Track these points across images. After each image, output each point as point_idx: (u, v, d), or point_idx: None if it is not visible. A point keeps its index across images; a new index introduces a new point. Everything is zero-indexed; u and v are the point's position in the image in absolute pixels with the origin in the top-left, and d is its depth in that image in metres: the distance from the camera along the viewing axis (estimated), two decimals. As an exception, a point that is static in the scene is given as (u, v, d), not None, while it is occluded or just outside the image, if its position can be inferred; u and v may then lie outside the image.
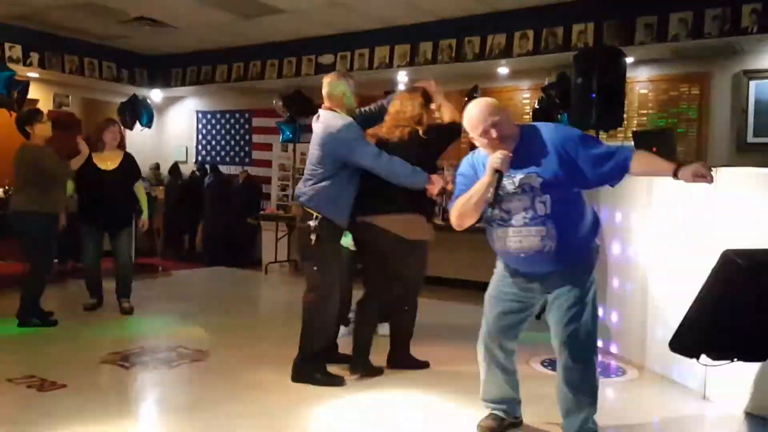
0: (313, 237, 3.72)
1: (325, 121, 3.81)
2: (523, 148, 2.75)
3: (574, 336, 2.79)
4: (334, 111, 3.83)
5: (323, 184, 3.74)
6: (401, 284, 4.02)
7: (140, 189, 5.83)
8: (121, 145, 5.77)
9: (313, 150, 3.84)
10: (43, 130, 5.05)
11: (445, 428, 3.25)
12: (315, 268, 3.77)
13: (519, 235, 2.74)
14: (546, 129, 2.80)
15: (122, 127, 5.76)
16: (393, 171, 3.75)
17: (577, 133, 2.80)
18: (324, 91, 3.88)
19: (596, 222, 2.90)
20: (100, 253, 5.67)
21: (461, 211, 2.83)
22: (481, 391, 3.14)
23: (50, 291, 5.25)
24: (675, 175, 2.55)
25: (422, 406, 3.54)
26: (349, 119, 3.80)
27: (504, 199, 2.74)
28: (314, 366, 3.81)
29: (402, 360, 4.13)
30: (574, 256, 2.77)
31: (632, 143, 5.62)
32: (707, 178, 2.50)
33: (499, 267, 3.01)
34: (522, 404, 3.17)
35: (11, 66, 7.60)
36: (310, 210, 3.75)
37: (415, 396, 3.66)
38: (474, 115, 2.77)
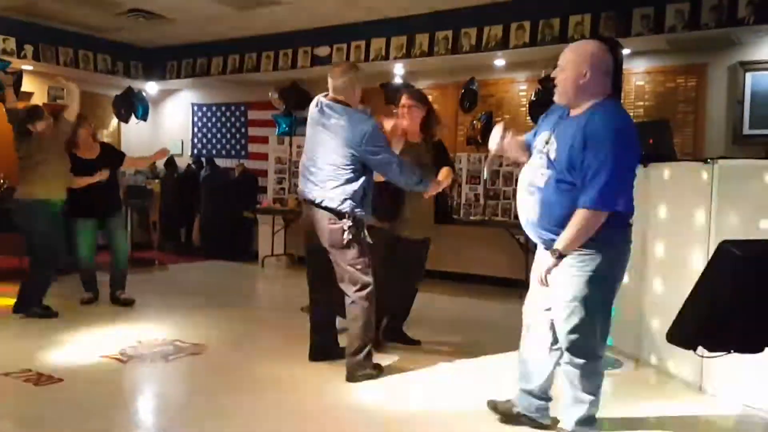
0: (348, 237, 3.65)
1: (350, 120, 3.63)
2: (581, 117, 2.67)
3: (570, 330, 2.72)
4: (348, 105, 3.70)
5: (354, 185, 3.65)
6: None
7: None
8: (95, 138, 5.77)
9: (334, 148, 3.65)
10: (44, 128, 5.04)
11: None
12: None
13: (520, 199, 2.84)
14: (601, 113, 2.63)
15: (87, 124, 5.64)
16: (402, 177, 3.77)
17: (603, 135, 2.57)
18: (336, 83, 3.71)
19: (617, 221, 2.68)
20: (94, 246, 5.66)
21: None
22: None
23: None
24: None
25: (427, 401, 3.55)
26: (374, 119, 3.74)
27: (534, 155, 2.83)
28: (371, 360, 3.81)
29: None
30: (552, 240, 2.69)
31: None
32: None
33: None
34: (549, 410, 3.04)
35: (5, 57, 7.57)
36: (336, 211, 3.66)
37: (424, 389, 3.67)
38: (569, 48, 2.80)
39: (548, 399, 3.04)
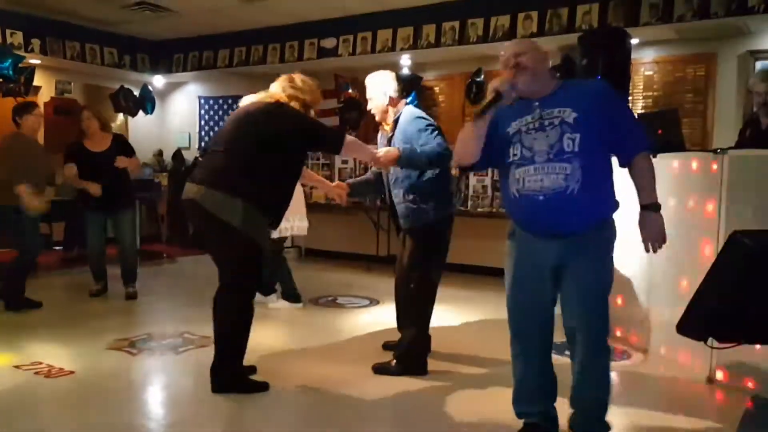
0: None
1: None
2: (561, 92, 2.62)
3: (594, 318, 2.61)
4: None
5: None
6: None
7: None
8: (106, 128, 5.66)
9: None
10: (34, 123, 5.03)
11: None
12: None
13: (541, 173, 2.51)
14: (590, 81, 2.87)
15: (94, 111, 5.66)
16: None
17: (614, 92, 2.72)
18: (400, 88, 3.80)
19: (616, 201, 2.69)
20: (103, 238, 5.67)
21: (461, 138, 2.67)
22: (513, 395, 2.82)
23: (56, 277, 5.26)
24: (642, 208, 2.62)
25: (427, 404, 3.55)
26: None
27: (527, 136, 2.56)
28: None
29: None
30: (597, 211, 2.57)
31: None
32: (653, 248, 2.63)
33: (511, 245, 2.74)
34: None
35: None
36: None
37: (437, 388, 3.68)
38: (505, 48, 2.71)
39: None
